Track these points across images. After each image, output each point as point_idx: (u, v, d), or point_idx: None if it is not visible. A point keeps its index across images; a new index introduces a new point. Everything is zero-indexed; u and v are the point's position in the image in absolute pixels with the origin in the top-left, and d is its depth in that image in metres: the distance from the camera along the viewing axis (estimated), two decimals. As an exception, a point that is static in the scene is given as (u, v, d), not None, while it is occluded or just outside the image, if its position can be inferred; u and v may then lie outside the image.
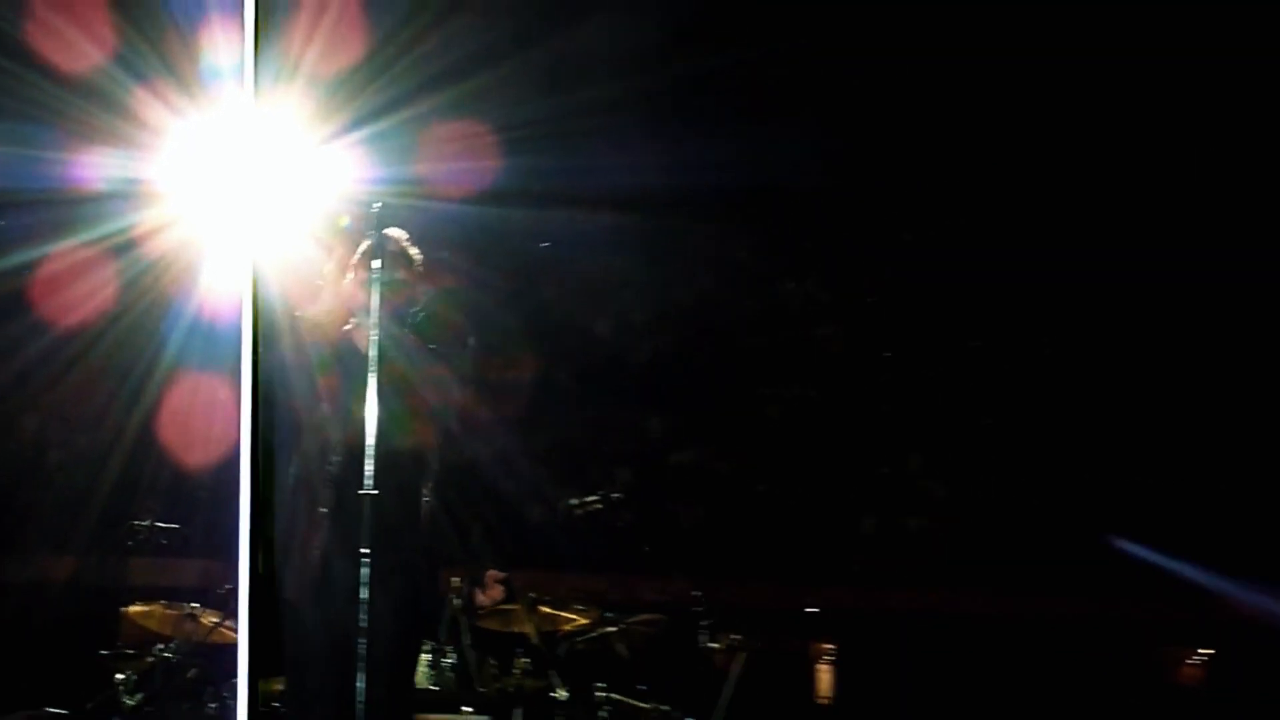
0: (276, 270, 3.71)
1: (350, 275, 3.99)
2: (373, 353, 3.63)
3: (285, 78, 6.13)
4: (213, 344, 5.43)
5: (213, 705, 5.13)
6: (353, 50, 6.44)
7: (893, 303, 8.74)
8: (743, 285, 8.85)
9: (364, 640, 3.52)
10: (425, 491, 3.81)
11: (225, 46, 6.06)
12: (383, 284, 3.81)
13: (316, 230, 4.21)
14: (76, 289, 6.00)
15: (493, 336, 6.23)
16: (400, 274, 3.96)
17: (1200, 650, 7.60)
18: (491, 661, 5.31)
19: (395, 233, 4.04)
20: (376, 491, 3.50)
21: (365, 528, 3.48)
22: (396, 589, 3.71)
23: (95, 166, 6.15)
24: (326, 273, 4.07)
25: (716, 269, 8.67)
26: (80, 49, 6.93)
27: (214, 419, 5.39)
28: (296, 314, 3.99)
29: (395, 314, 3.90)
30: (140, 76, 6.40)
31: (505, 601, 4.64)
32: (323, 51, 6.32)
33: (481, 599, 4.11)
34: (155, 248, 5.68)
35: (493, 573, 4.03)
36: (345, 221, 4.13)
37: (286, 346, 3.86)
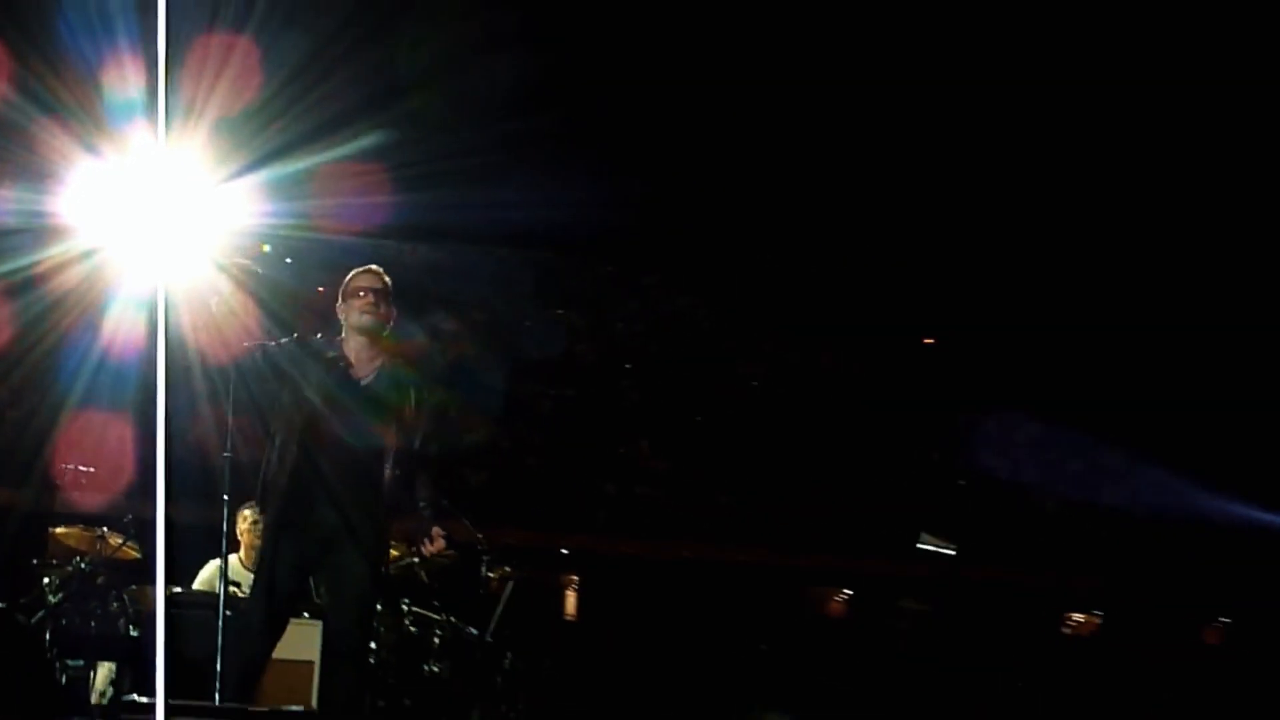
0: (184, 296, 4.16)
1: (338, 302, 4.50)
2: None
3: (190, 116, 6.64)
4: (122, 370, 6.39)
5: (115, 604, 6.12)
6: (253, 91, 6.80)
7: (634, 329, 10.38)
8: (525, 310, 10.12)
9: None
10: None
11: (132, 85, 6.60)
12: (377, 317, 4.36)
13: (225, 261, 4.58)
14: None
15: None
16: (385, 306, 4.43)
17: (843, 590, 9.77)
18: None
19: (375, 268, 4.54)
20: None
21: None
22: (368, 550, 4.29)
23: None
24: (229, 300, 4.41)
25: (507, 296, 9.83)
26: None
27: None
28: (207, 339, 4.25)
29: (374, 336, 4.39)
30: (48, 112, 6.89)
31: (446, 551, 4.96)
32: (226, 92, 6.67)
33: (429, 549, 4.56)
34: (67, 278, 6.38)
35: (437, 529, 4.52)
36: (266, 249, 4.79)
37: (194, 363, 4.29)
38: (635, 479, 9.55)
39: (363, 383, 4.39)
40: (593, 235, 8.95)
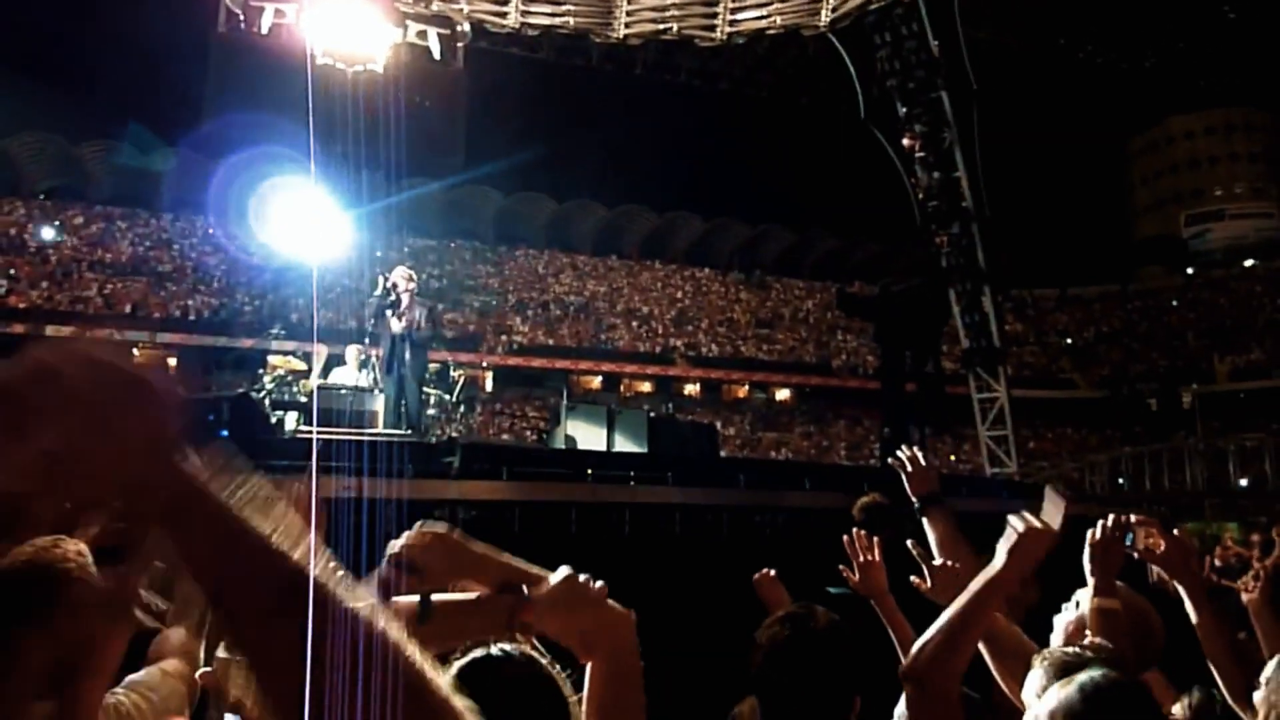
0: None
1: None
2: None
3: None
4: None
5: (295, 387, 13.19)
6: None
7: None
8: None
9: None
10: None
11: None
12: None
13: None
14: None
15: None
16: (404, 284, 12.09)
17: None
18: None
19: (404, 269, 11.85)
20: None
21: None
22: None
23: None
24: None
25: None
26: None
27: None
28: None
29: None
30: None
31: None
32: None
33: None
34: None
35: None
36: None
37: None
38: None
39: (401, 310, 11.75)
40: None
